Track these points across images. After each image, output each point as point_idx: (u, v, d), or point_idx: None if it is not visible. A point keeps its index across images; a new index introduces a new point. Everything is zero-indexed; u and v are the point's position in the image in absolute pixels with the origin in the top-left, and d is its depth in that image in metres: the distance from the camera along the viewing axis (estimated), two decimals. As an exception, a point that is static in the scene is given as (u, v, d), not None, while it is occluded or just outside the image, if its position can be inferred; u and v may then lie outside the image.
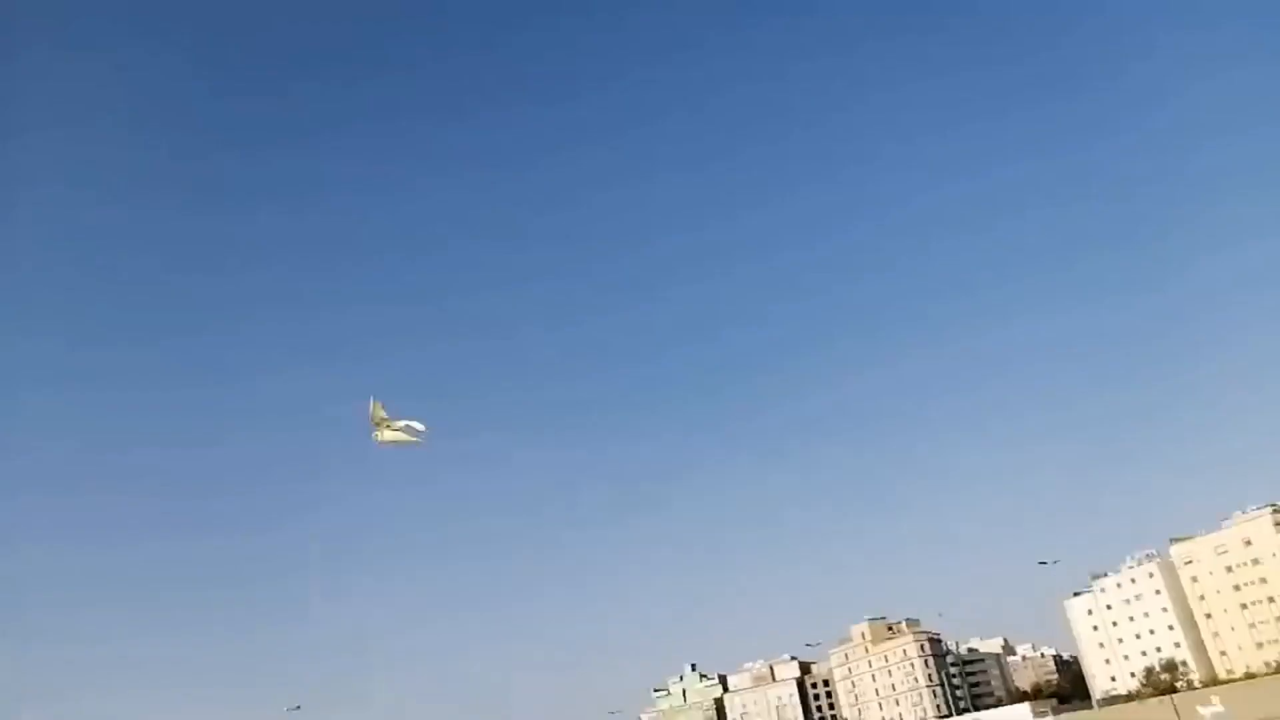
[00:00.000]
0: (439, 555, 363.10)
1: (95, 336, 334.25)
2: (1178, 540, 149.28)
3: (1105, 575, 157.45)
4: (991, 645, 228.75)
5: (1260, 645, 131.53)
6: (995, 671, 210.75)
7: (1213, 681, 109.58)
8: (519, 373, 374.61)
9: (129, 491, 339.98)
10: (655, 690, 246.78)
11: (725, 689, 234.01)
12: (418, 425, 17.31)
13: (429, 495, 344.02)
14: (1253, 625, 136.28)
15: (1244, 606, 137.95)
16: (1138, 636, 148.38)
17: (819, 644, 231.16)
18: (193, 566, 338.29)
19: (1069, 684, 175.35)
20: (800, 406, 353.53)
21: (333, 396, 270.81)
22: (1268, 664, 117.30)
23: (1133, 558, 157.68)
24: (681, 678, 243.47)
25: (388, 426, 16.93)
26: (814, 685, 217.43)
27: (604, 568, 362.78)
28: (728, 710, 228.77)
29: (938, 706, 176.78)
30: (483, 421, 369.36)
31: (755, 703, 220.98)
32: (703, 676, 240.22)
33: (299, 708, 78.28)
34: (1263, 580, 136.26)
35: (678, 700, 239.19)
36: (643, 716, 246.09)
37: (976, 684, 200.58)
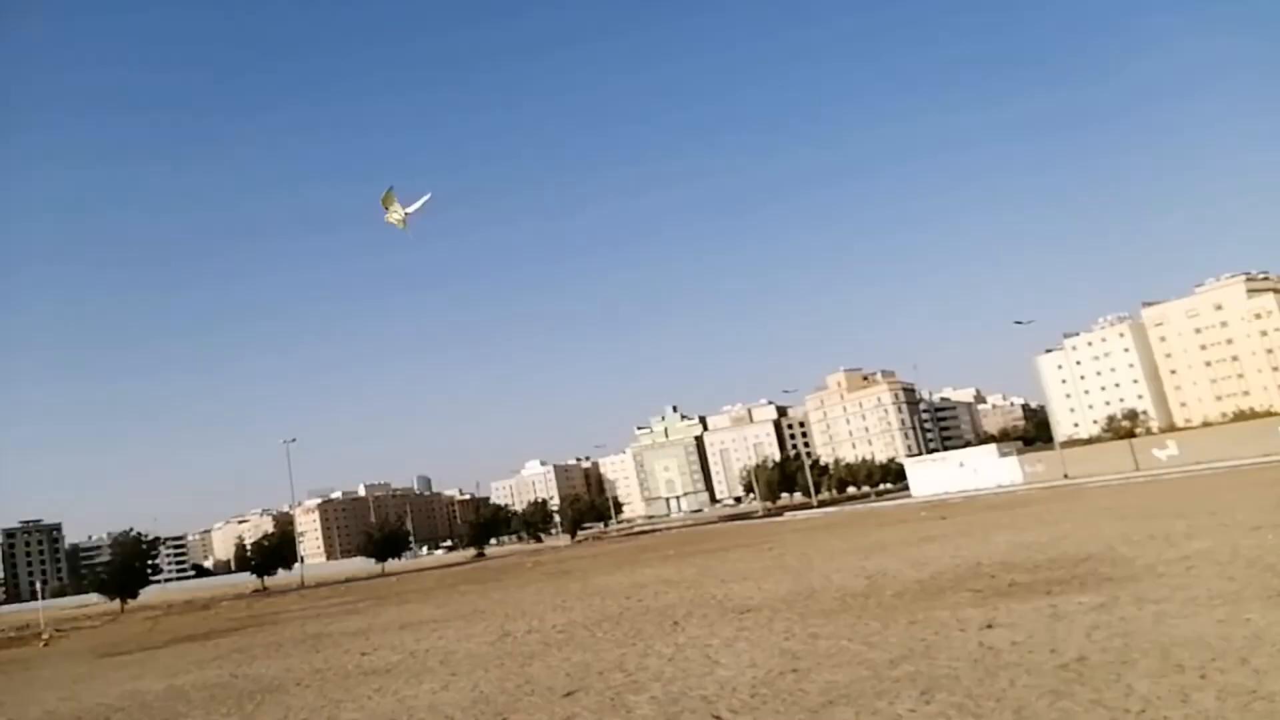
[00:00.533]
0: (438, 306, 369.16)
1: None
2: (1150, 304, 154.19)
3: (1077, 334, 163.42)
4: (964, 395, 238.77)
5: (1219, 398, 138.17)
6: (966, 418, 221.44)
7: (1170, 429, 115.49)
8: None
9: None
10: (639, 428, 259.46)
11: (705, 428, 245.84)
12: (421, 201, 17.45)
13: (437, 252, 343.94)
14: (1214, 380, 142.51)
15: (1208, 364, 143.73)
16: (1103, 389, 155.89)
17: (795, 391, 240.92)
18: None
19: (1034, 429, 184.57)
20: (789, 161, 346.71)
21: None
22: (1224, 414, 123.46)
23: (1105, 319, 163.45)
24: (664, 417, 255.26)
25: (394, 209, 17.02)
26: (790, 426, 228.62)
27: (591, 315, 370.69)
28: (707, 446, 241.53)
29: (909, 447, 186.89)
30: (484, 178, 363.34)
31: (734, 440, 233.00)
32: (684, 417, 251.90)
33: (294, 440, 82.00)
34: (1229, 341, 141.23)
35: (660, 437, 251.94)
36: (627, 449, 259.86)
37: (947, 428, 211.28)
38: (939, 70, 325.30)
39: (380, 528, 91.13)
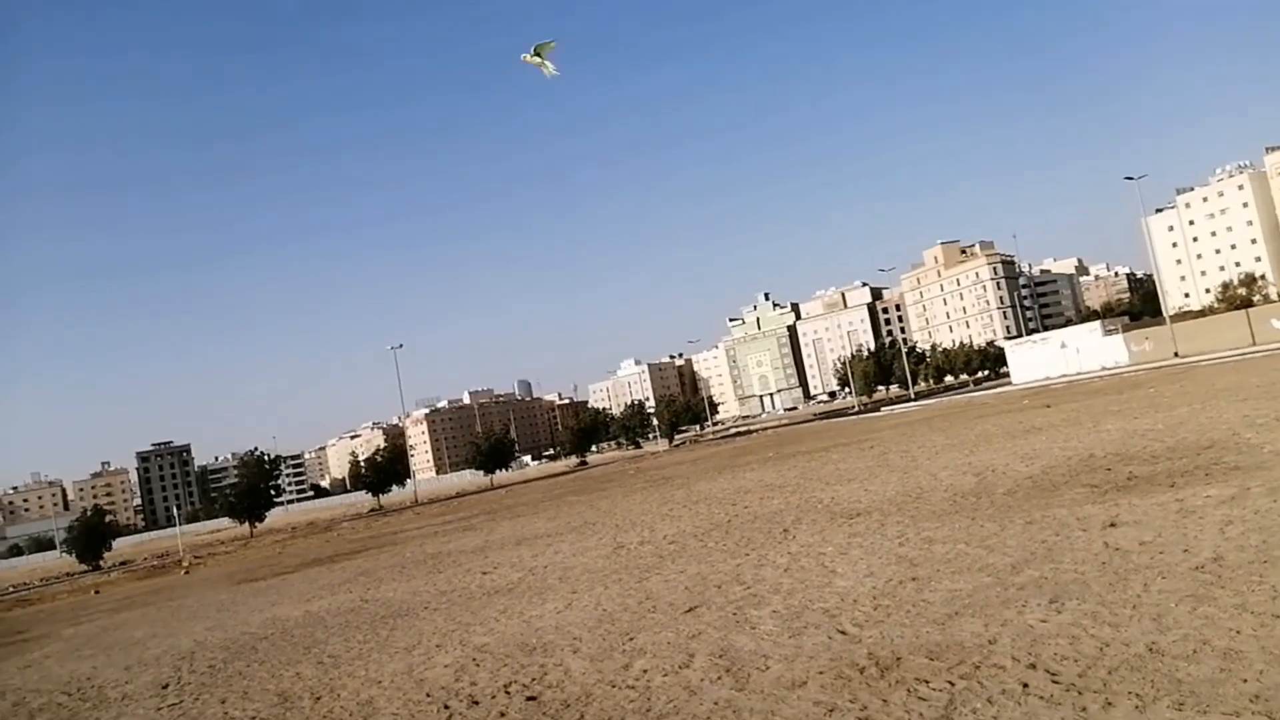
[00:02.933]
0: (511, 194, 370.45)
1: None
2: (1274, 149, 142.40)
3: (1191, 189, 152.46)
4: (1065, 266, 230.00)
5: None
6: (1067, 292, 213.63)
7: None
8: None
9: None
10: (731, 320, 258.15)
11: (798, 316, 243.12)
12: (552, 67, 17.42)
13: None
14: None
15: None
16: (1217, 252, 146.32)
17: (892, 269, 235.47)
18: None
19: (1140, 302, 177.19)
20: (867, 28, 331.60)
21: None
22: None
23: (1223, 169, 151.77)
24: (755, 307, 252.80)
25: (539, 55, 16.99)
26: (884, 310, 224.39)
27: (680, 202, 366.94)
28: (800, 336, 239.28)
29: (1007, 328, 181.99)
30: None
31: (826, 328, 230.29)
32: (776, 305, 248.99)
33: (401, 346, 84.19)
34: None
35: (752, 328, 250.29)
36: (719, 344, 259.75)
37: (1046, 305, 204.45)
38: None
39: (486, 437, 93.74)
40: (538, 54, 17.30)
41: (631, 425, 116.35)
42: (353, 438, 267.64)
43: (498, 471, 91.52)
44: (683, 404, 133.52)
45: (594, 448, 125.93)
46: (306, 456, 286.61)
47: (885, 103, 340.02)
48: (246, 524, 74.15)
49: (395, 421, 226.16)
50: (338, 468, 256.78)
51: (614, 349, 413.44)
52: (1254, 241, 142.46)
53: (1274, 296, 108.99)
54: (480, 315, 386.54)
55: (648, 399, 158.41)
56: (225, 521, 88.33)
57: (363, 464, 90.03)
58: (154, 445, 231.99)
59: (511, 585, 15.73)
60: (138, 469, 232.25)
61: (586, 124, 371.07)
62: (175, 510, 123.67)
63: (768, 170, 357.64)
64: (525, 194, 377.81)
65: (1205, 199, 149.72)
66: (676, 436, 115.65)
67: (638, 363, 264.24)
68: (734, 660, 8.25)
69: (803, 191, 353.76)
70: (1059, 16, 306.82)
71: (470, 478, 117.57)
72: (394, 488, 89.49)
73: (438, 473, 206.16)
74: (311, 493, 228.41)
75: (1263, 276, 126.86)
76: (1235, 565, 8.18)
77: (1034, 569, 9.46)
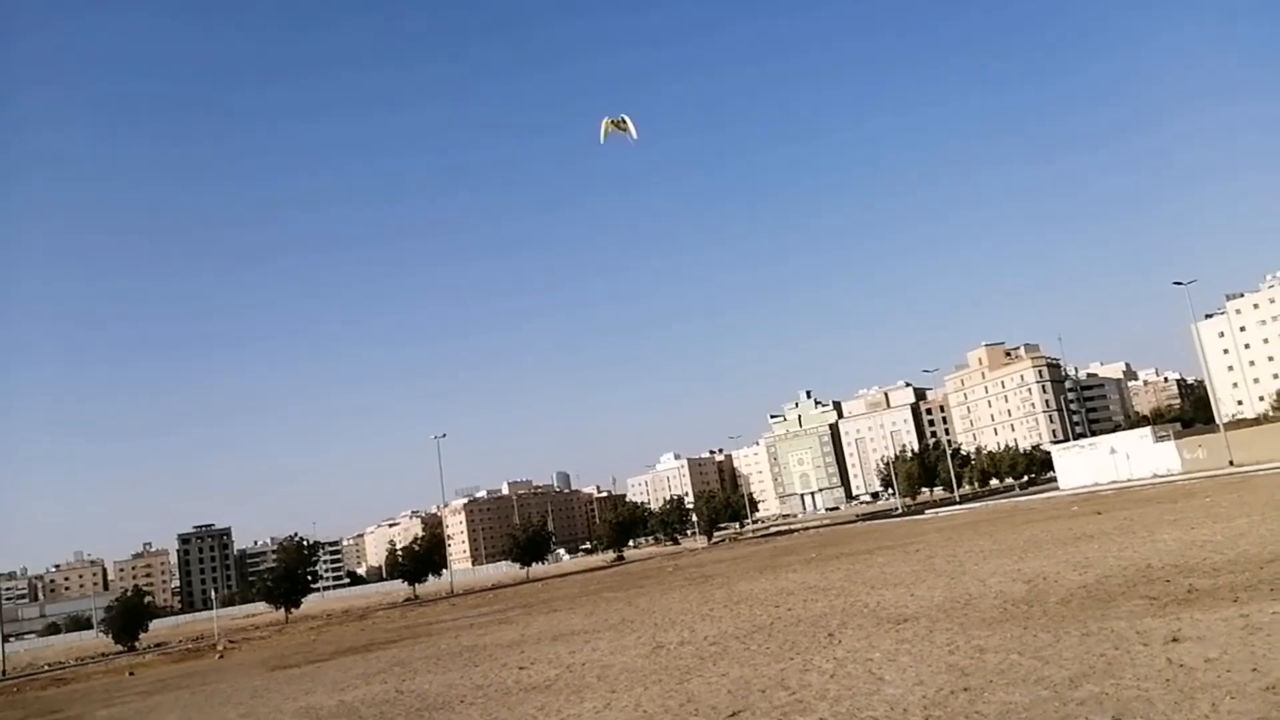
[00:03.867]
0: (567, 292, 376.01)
1: None
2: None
3: (1242, 295, 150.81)
4: (1112, 370, 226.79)
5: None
6: (1115, 396, 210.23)
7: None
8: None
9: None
10: (772, 416, 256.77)
11: (840, 415, 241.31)
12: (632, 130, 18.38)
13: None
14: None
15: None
16: (1270, 359, 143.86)
17: (935, 370, 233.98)
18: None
19: (1191, 408, 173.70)
20: (920, 123, 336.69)
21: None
22: None
23: (1274, 275, 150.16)
24: (797, 404, 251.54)
25: (615, 124, 17.84)
26: (928, 411, 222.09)
27: (721, 298, 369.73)
28: (842, 435, 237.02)
29: (1053, 432, 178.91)
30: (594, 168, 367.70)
31: (869, 428, 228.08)
32: (818, 403, 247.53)
33: (444, 435, 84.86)
34: None
35: (794, 425, 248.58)
36: (760, 440, 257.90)
37: (1094, 409, 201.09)
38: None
39: (524, 529, 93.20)
40: (618, 125, 18.06)
41: (670, 521, 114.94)
42: (390, 525, 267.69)
43: (534, 564, 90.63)
44: (722, 500, 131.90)
45: (631, 543, 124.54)
46: (344, 543, 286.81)
47: (933, 204, 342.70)
48: (282, 609, 73.88)
49: (434, 510, 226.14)
50: (375, 556, 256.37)
51: (653, 442, 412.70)
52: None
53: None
54: (521, 405, 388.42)
55: (687, 494, 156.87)
56: (261, 606, 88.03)
57: (400, 553, 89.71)
58: (195, 528, 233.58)
59: (549, 682, 15.45)
60: (178, 550, 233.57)
61: (634, 216, 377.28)
62: (213, 593, 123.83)
63: (813, 268, 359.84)
64: (570, 285, 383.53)
65: (1256, 305, 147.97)
66: (716, 534, 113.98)
67: (677, 457, 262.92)
68: (781, 769, 7.99)
69: (847, 290, 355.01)
70: (1111, 120, 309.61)
71: (506, 569, 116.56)
72: (430, 577, 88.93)
73: (474, 563, 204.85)
74: (348, 580, 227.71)
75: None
76: (1308, 687, 7.84)
77: (1093, 684, 9.13)
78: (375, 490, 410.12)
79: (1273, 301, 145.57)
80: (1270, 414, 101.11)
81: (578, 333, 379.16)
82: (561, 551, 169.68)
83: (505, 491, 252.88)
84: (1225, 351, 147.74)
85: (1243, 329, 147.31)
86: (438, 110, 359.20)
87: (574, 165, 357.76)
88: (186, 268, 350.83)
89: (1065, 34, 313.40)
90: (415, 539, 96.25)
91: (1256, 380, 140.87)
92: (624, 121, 18.35)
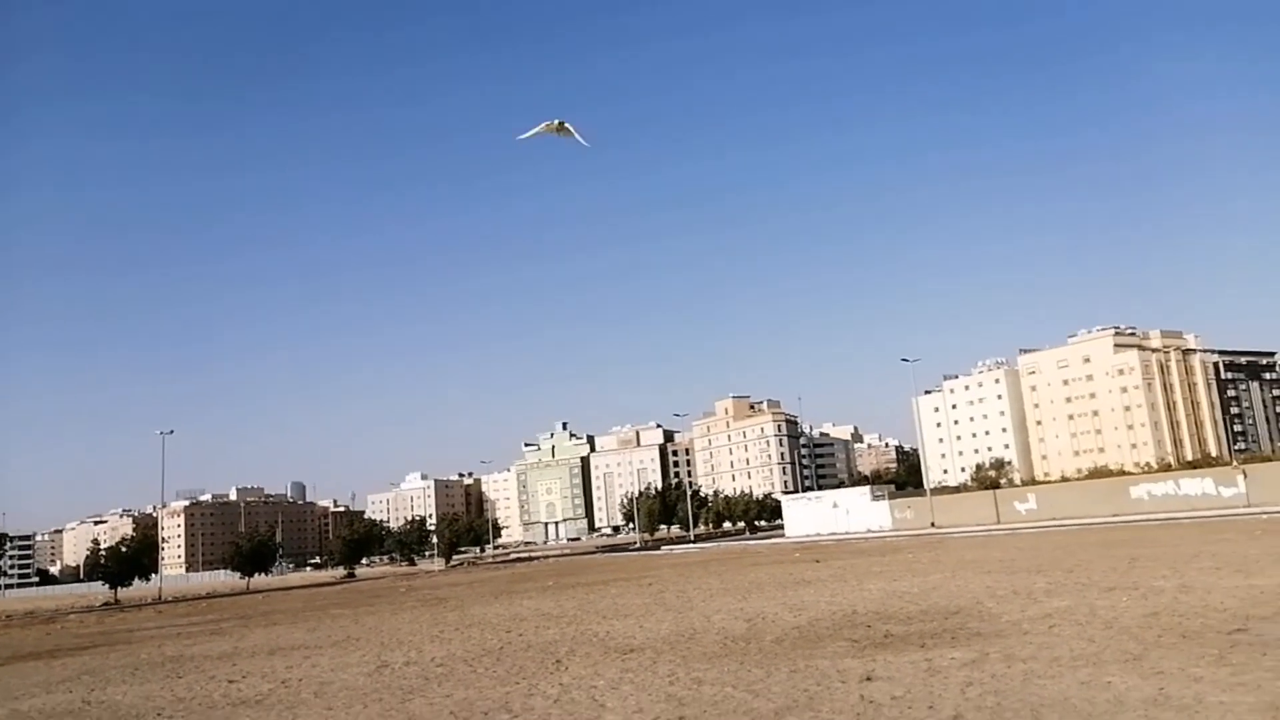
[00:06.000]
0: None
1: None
2: (1026, 351, 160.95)
3: (956, 377, 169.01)
4: (842, 432, 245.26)
5: (1076, 453, 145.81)
6: (842, 455, 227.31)
7: (1031, 481, 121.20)
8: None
9: None
10: (526, 445, 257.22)
11: (593, 449, 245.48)
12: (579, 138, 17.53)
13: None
14: (1074, 435, 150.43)
15: (1070, 418, 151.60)
16: (974, 435, 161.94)
17: (686, 415, 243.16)
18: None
19: (906, 473, 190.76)
20: (694, 178, 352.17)
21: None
22: (1079, 470, 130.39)
23: (984, 363, 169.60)
24: (552, 435, 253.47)
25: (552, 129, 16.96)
26: (675, 453, 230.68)
27: (484, 325, 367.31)
28: (592, 469, 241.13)
29: (785, 482, 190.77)
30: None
31: (619, 464, 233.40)
32: (572, 435, 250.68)
33: (171, 432, 78.51)
34: (1092, 395, 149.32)
35: (546, 455, 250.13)
36: (511, 467, 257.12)
37: (823, 465, 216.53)
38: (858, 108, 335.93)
39: (249, 537, 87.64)
40: (561, 127, 17.51)
41: (409, 541, 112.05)
42: (97, 523, 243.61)
43: (257, 575, 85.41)
44: (465, 524, 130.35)
45: (366, 561, 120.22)
46: (39, 538, 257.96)
47: (691, 258, 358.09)
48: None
49: (150, 511, 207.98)
50: (74, 554, 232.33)
51: (400, 460, 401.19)
52: (1004, 430, 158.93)
53: (1017, 481, 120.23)
54: (261, 410, 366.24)
55: (430, 515, 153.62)
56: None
57: (104, 552, 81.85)
58: None
59: (260, 697, 14.62)
60: None
61: (396, 238, 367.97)
62: None
63: (582, 304, 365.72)
64: (326, 292, 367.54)
65: (967, 387, 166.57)
66: (455, 556, 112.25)
67: (424, 477, 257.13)
68: (496, 790, 8.01)
69: (611, 329, 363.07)
70: (860, 210, 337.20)
71: (225, 579, 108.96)
72: (137, 581, 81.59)
73: (188, 570, 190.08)
74: (37, 579, 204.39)
75: (1009, 462, 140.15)
76: (972, 724, 8.81)
77: (795, 716, 9.80)
78: (83, 484, 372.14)
79: (980, 385, 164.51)
80: (969, 484, 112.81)
81: (330, 343, 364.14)
82: (288, 565, 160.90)
83: (233, 497, 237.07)
84: (938, 425, 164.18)
85: (954, 406, 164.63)
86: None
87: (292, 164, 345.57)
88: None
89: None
90: (124, 539, 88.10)
91: (960, 453, 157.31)
92: (564, 126, 17.93)
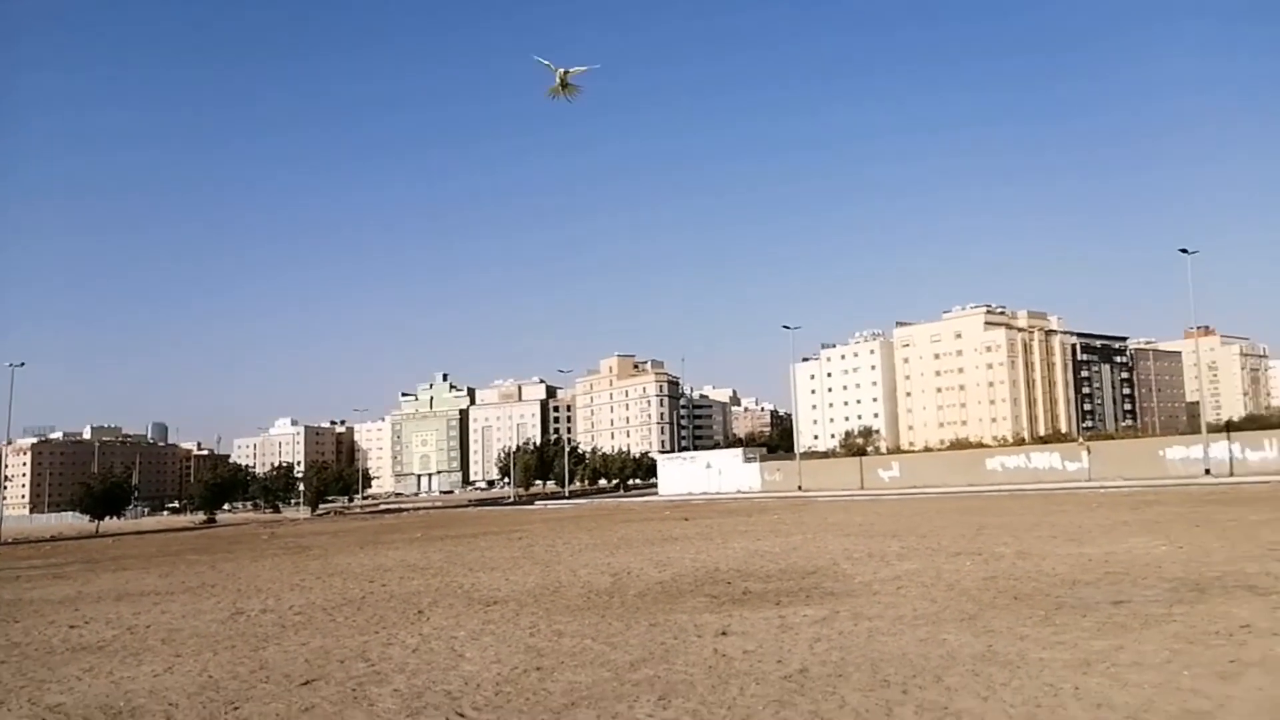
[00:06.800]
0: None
1: None
2: (903, 324, 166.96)
3: (834, 346, 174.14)
4: (722, 395, 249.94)
5: (941, 425, 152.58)
6: (720, 418, 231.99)
7: (896, 450, 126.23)
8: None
9: None
10: (404, 394, 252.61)
11: (473, 401, 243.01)
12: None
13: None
14: (940, 407, 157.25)
15: (938, 390, 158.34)
16: (846, 404, 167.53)
17: (570, 371, 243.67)
18: None
19: (780, 437, 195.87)
20: (596, 150, 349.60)
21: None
22: (942, 441, 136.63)
23: (861, 334, 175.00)
24: (431, 385, 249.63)
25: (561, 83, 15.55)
26: (556, 409, 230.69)
27: (367, 271, 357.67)
28: (471, 422, 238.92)
29: (663, 442, 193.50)
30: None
31: (499, 418, 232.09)
32: (453, 387, 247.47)
33: (22, 365, 74.04)
34: (960, 370, 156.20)
35: (424, 406, 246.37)
36: (387, 416, 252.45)
37: (701, 426, 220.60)
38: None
39: (102, 479, 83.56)
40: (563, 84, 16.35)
41: (274, 487, 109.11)
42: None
43: (109, 518, 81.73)
44: (335, 473, 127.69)
45: (228, 507, 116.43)
46: None
47: (582, 213, 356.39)
48: None
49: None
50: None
51: (271, 406, 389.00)
52: (875, 400, 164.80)
53: (884, 449, 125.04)
54: (120, 345, 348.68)
55: (299, 462, 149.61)
56: None
57: (-64, 490, 76.74)
58: None
59: (104, 643, 14.06)
60: None
61: (275, 176, 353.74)
62: None
63: (467, 255, 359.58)
64: (193, 230, 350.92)
65: (843, 356, 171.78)
66: (322, 505, 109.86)
67: (294, 423, 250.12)
68: (344, 737, 7.95)
69: (497, 283, 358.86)
70: (754, 176, 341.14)
71: (73, 521, 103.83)
72: (-29, 521, 76.87)
73: (33, 511, 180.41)
74: None
75: (878, 431, 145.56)
76: (816, 677, 9.18)
77: (650, 668, 10.02)
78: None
79: (856, 355, 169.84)
80: (838, 450, 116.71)
81: (200, 281, 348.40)
82: (143, 509, 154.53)
83: (87, 436, 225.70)
84: (813, 392, 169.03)
85: (830, 374, 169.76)
86: None
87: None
88: None
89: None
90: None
91: (833, 420, 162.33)
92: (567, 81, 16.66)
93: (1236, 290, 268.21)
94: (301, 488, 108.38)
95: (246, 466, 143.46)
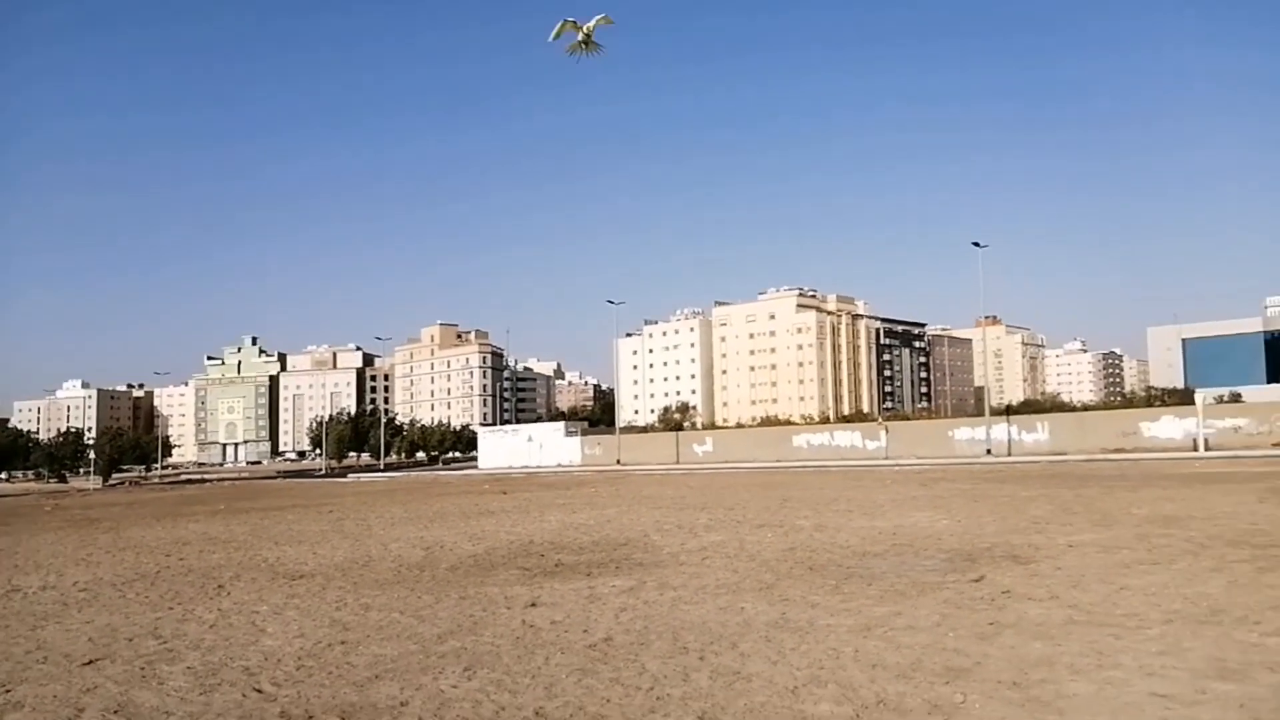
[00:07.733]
0: None
1: None
2: (721, 304, 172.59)
3: (656, 322, 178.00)
4: (546, 368, 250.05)
5: (754, 402, 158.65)
6: (543, 391, 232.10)
7: (711, 426, 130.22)
8: None
9: None
10: (209, 359, 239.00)
11: (284, 368, 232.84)
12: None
13: None
14: (754, 385, 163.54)
15: (752, 369, 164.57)
16: (666, 379, 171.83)
17: (389, 339, 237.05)
18: None
19: (602, 411, 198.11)
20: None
21: None
22: (754, 418, 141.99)
23: (682, 311, 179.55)
24: (239, 350, 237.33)
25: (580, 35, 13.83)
26: (373, 378, 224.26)
27: (158, 221, 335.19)
28: (282, 389, 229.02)
29: (485, 415, 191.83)
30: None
31: (311, 385, 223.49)
32: (262, 352, 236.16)
33: None
34: (773, 350, 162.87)
35: (231, 371, 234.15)
36: (190, 381, 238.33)
37: (524, 399, 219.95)
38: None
39: None
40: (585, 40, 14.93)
41: (60, 455, 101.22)
42: None
43: None
44: (131, 440, 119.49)
45: (6, 476, 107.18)
46: None
47: (408, 178, 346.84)
48: None
49: None
50: None
51: (59, 366, 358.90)
52: (693, 376, 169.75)
53: (699, 425, 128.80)
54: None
55: (90, 429, 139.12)
56: None
57: None
58: None
59: None
60: None
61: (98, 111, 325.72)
62: None
63: (283, 213, 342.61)
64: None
65: (665, 333, 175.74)
66: (116, 475, 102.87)
67: (85, 385, 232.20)
68: (131, 716, 7.66)
69: (311, 243, 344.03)
70: (590, 150, 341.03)
71: None
72: None
73: None
74: None
75: (694, 407, 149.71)
76: (620, 645, 9.54)
77: (457, 640, 10.11)
78: None
79: (677, 332, 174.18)
80: (656, 425, 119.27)
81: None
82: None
83: None
84: (635, 367, 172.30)
85: (651, 350, 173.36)
86: None
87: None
88: None
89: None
90: None
91: (653, 395, 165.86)
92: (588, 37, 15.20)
93: (1020, 283, 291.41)
94: (93, 456, 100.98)
95: (28, 432, 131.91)
